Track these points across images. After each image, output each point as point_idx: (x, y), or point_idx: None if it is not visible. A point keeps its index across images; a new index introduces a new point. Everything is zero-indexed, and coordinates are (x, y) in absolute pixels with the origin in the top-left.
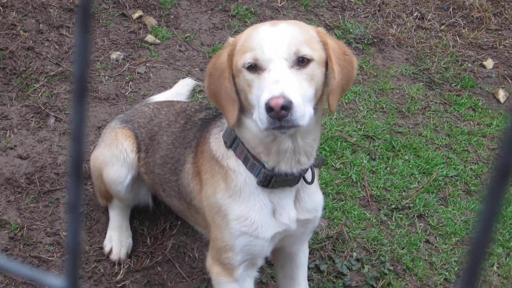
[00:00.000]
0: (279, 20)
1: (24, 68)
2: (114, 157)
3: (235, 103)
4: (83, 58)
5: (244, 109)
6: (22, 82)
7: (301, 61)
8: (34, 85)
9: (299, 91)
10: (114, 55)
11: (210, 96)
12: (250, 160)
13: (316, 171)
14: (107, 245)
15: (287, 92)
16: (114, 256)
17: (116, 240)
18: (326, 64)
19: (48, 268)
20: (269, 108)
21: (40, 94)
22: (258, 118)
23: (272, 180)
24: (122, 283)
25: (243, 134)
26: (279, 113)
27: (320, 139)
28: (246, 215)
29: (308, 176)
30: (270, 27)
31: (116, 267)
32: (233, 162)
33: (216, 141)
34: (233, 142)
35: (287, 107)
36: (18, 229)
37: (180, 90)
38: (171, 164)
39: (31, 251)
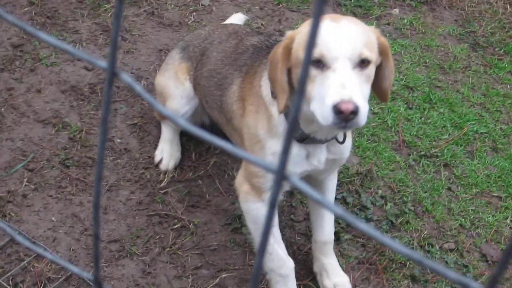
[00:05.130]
0: (335, 14)
1: None
2: (177, 90)
3: (285, 93)
4: None
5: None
6: (95, 1)
7: (362, 63)
8: (106, 5)
9: (361, 93)
10: None
11: (269, 79)
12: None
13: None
14: (158, 155)
15: (354, 98)
16: (163, 166)
17: (167, 152)
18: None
19: None
20: (338, 111)
21: (109, 14)
22: (319, 113)
23: (306, 140)
24: (165, 190)
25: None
26: (348, 117)
27: None
28: None
29: (340, 136)
30: (332, 23)
31: (161, 175)
32: (276, 111)
33: (266, 86)
34: None
35: (355, 112)
36: (78, 131)
37: None
38: (217, 79)
39: (87, 152)
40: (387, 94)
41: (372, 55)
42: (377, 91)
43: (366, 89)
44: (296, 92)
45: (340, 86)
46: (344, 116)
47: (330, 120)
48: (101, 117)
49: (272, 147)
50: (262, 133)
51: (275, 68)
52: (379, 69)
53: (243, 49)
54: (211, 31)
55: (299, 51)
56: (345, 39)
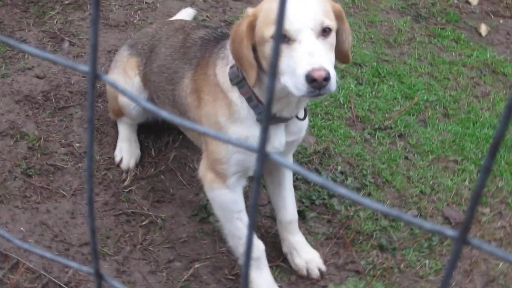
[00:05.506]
0: None
1: None
2: (126, 85)
3: (254, 67)
4: None
5: (264, 70)
6: (39, 9)
7: (324, 32)
8: (50, 12)
9: (329, 60)
10: None
11: (234, 58)
12: (254, 100)
13: None
14: (117, 155)
15: (324, 64)
16: (124, 165)
17: (126, 151)
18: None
19: (63, 175)
20: (311, 80)
21: (55, 21)
22: (292, 85)
23: (272, 120)
24: (129, 188)
25: (260, 86)
26: (321, 84)
27: None
28: (245, 138)
29: (301, 113)
30: None
31: (123, 174)
32: (236, 97)
33: (223, 74)
34: (239, 81)
35: (328, 78)
36: (36, 140)
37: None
38: (167, 74)
39: (47, 160)
40: (348, 55)
41: (332, 23)
42: (338, 54)
43: (332, 56)
44: (268, 71)
45: (308, 55)
46: (317, 83)
47: (304, 90)
48: (87, 117)
49: (236, 133)
50: (223, 119)
51: (240, 45)
52: (337, 33)
53: (191, 42)
54: (158, 29)
55: (263, 28)
56: (305, 11)
